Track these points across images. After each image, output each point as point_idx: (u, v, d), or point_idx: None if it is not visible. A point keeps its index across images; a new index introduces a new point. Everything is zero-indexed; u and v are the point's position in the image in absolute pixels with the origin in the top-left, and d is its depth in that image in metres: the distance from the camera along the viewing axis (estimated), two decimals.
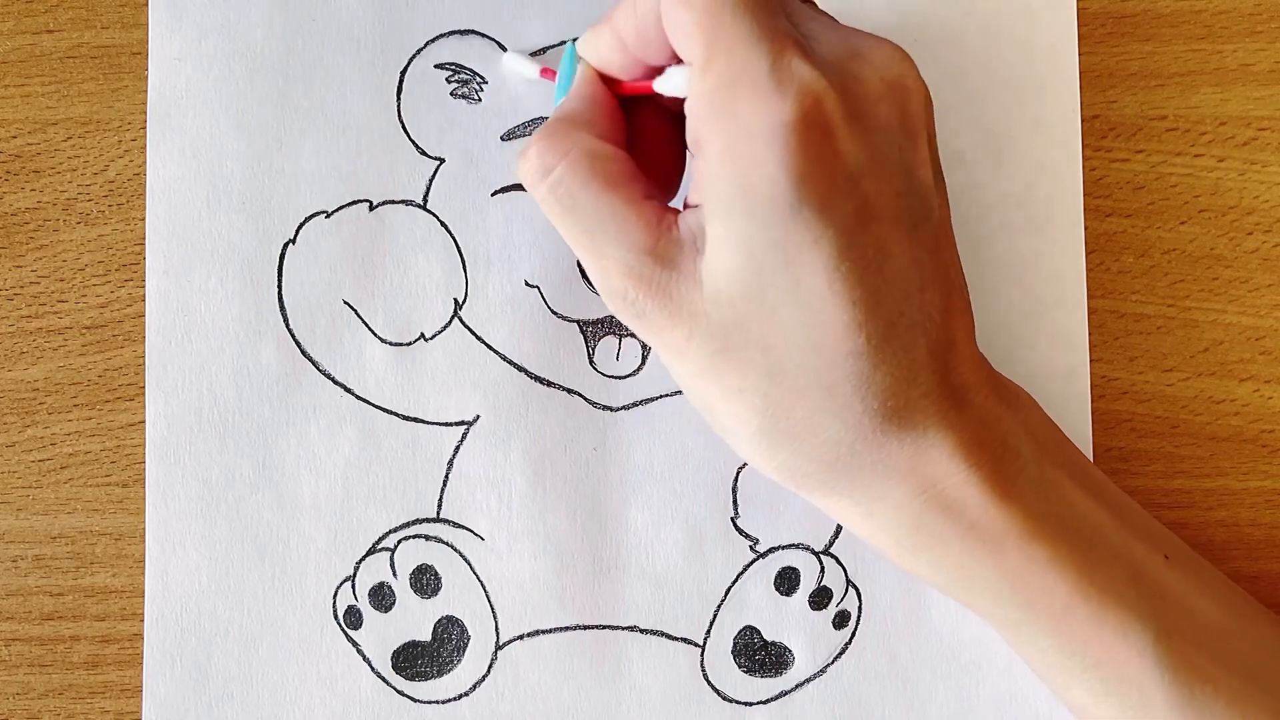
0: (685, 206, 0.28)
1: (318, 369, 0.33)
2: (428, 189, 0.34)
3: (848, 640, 0.33)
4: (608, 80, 0.30)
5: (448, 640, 0.33)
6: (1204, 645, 0.28)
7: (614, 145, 0.29)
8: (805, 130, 0.25)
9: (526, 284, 0.34)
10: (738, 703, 0.33)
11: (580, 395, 0.34)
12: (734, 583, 0.33)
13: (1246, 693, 0.28)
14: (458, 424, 0.34)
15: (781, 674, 0.33)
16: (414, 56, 0.34)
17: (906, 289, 0.27)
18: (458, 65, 0.34)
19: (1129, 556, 0.29)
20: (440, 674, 0.33)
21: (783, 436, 0.28)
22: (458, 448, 0.33)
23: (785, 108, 0.25)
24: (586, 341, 0.34)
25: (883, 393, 0.27)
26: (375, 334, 0.34)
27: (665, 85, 0.28)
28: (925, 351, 0.27)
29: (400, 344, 0.34)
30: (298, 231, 0.34)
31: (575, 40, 0.31)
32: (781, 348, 0.27)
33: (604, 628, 0.33)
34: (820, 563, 0.33)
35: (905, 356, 0.27)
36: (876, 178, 0.26)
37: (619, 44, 0.29)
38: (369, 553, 0.33)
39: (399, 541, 0.33)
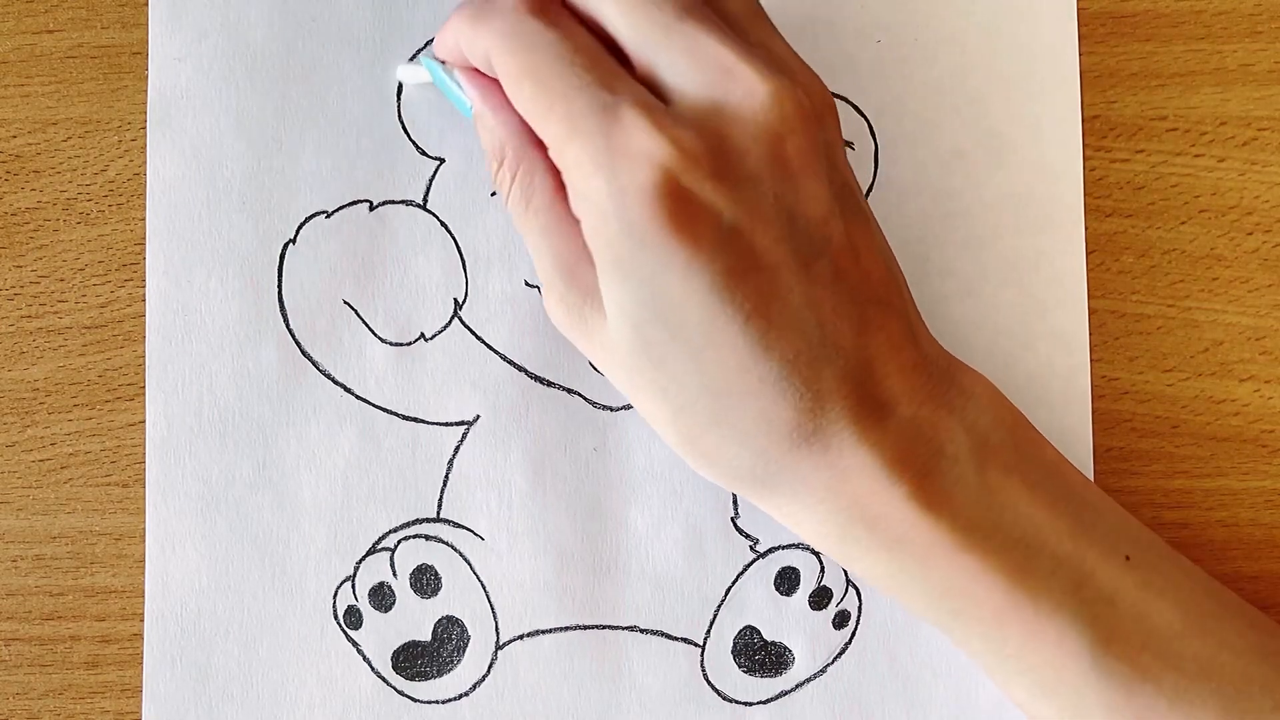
0: None
1: (318, 369, 0.33)
2: (428, 189, 0.34)
3: (848, 640, 0.33)
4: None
5: (448, 640, 0.33)
6: (1150, 646, 0.28)
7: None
8: (653, 200, 0.25)
9: (526, 284, 0.34)
10: (738, 703, 0.33)
11: (580, 395, 0.34)
12: (734, 583, 0.33)
13: (1194, 693, 0.28)
14: (458, 424, 0.34)
15: (781, 674, 0.33)
16: (414, 56, 0.34)
17: (803, 328, 0.27)
18: None
19: (1075, 561, 0.28)
20: (440, 674, 0.33)
21: (700, 458, 0.29)
22: (458, 448, 0.33)
23: (626, 181, 0.26)
24: None
25: (787, 424, 0.27)
26: (375, 334, 0.34)
27: None
28: (834, 379, 0.27)
29: (400, 344, 0.34)
30: (298, 231, 0.34)
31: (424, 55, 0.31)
32: (677, 391, 0.28)
33: (604, 628, 0.33)
34: (820, 563, 0.33)
35: (809, 389, 0.27)
36: (753, 228, 0.26)
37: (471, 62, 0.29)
38: (369, 553, 0.33)
39: (399, 541, 0.33)
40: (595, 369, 0.34)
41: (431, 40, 0.34)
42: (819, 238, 0.27)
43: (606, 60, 0.27)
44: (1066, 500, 0.29)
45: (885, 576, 0.29)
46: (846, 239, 0.28)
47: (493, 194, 0.34)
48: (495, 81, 0.30)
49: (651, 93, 0.27)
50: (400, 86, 0.34)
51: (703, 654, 0.33)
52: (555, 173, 0.29)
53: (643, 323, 0.27)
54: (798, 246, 0.27)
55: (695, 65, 0.27)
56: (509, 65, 0.27)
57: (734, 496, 0.34)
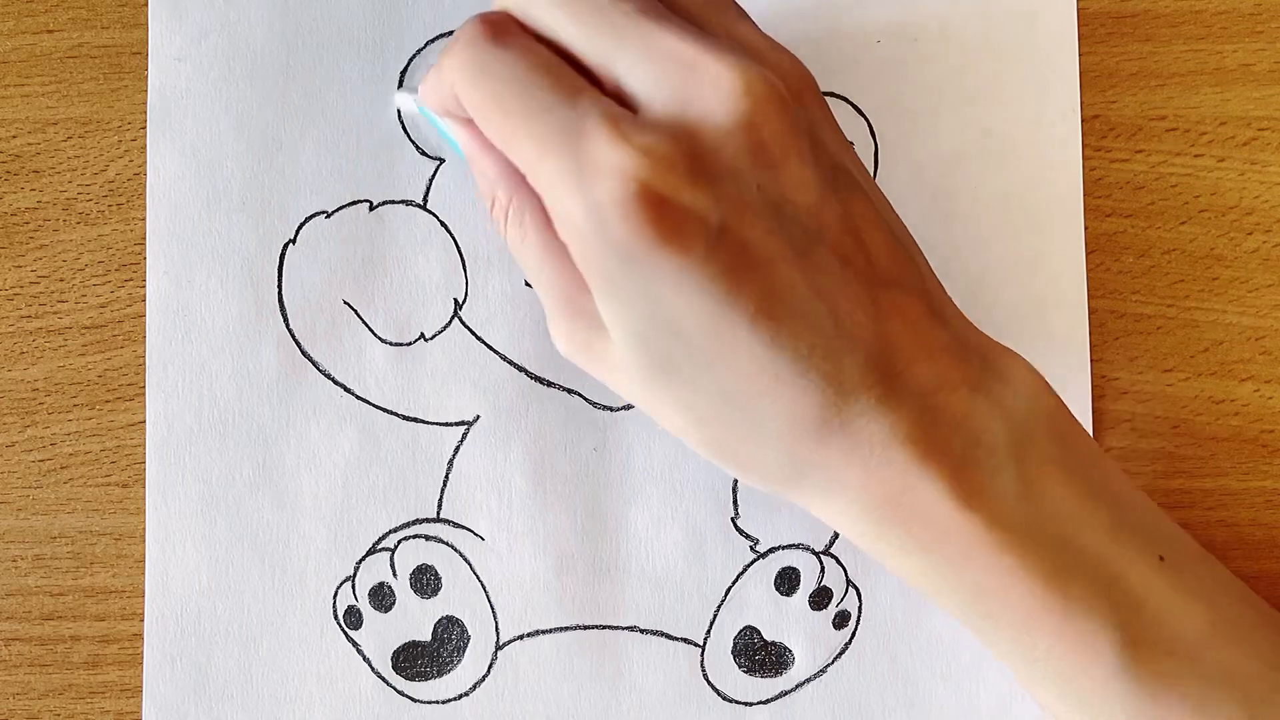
0: None
1: (318, 369, 0.33)
2: (428, 189, 0.34)
3: (848, 640, 0.33)
4: None
5: (448, 640, 0.33)
6: (1176, 652, 0.28)
7: None
8: (631, 213, 0.24)
9: (526, 284, 0.34)
10: (738, 703, 0.33)
11: (580, 395, 0.34)
12: (734, 583, 0.33)
13: (1217, 700, 0.27)
14: (458, 424, 0.34)
15: (781, 674, 0.33)
16: (414, 56, 0.34)
17: (813, 319, 0.26)
18: None
19: (1110, 561, 0.28)
20: (440, 674, 0.33)
21: (732, 464, 0.28)
22: (458, 448, 0.33)
23: (602, 198, 0.25)
24: None
25: (812, 421, 0.26)
26: (375, 334, 0.34)
27: None
28: (856, 370, 0.26)
29: (400, 344, 0.34)
30: (298, 231, 0.34)
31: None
32: (695, 400, 0.27)
33: (604, 628, 0.33)
34: (820, 563, 0.33)
35: (831, 381, 0.26)
36: (742, 225, 0.25)
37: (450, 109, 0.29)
38: (369, 553, 0.33)
39: (399, 541, 0.33)
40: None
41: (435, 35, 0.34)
42: (813, 225, 0.26)
43: (568, 76, 0.26)
44: (1103, 494, 0.28)
45: (919, 575, 0.28)
46: (844, 221, 0.27)
47: None
48: None
49: (619, 101, 0.26)
50: (401, 86, 0.34)
51: (703, 654, 0.33)
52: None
53: (648, 339, 0.26)
54: (792, 237, 0.26)
55: (655, 66, 0.26)
56: (472, 98, 0.26)
57: (734, 496, 0.34)
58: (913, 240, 0.29)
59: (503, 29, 0.27)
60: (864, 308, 0.27)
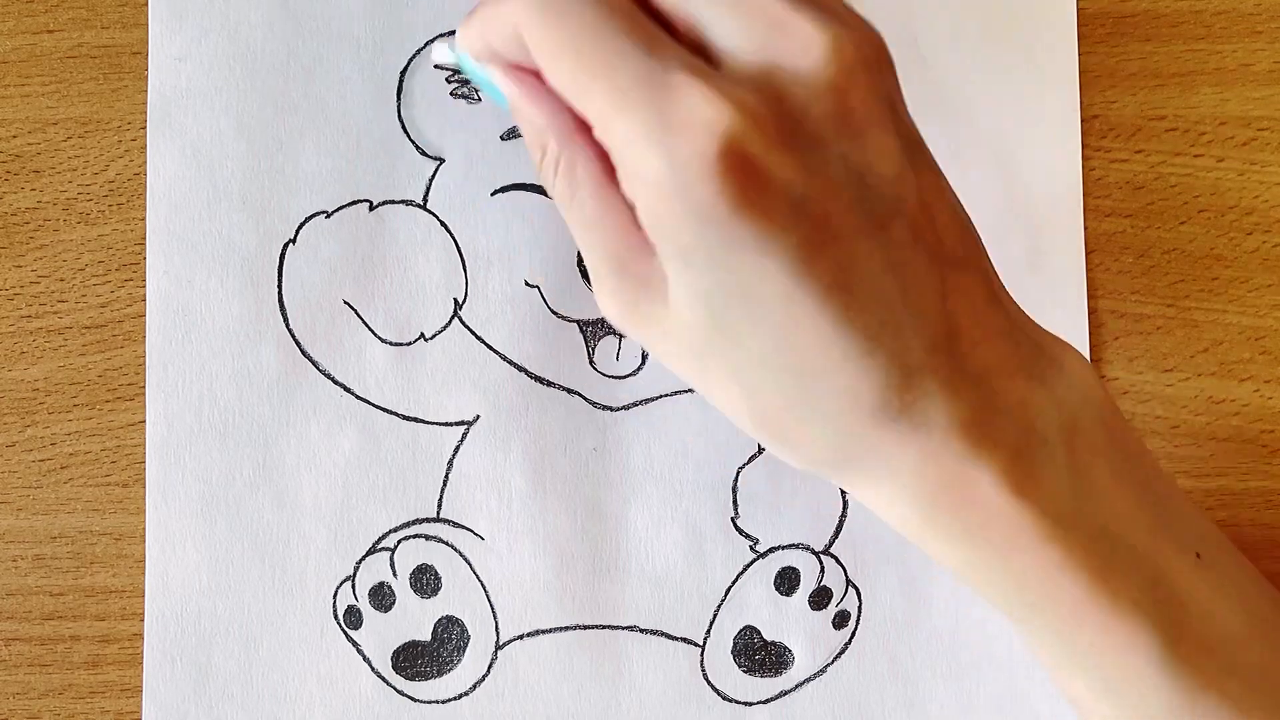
0: None
1: (318, 369, 0.33)
2: (428, 189, 0.34)
3: (848, 640, 0.33)
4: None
5: (448, 640, 0.33)
6: (1217, 652, 0.27)
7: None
8: (719, 174, 0.23)
9: (526, 284, 0.34)
10: (738, 703, 0.33)
11: (580, 395, 0.34)
12: (734, 583, 0.33)
13: (1256, 701, 0.27)
14: (458, 424, 0.34)
15: (781, 674, 0.33)
16: (414, 56, 0.34)
17: (885, 296, 0.25)
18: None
19: (1153, 556, 0.27)
20: (440, 674, 0.33)
21: (777, 439, 0.27)
22: (458, 448, 0.33)
23: (687, 155, 0.23)
24: (586, 341, 0.34)
25: (873, 402, 0.26)
26: (375, 334, 0.34)
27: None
28: (922, 350, 0.26)
29: (400, 344, 0.34)
30: (298, 231, 0.34)
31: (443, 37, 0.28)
32: (755, 371, 0.26)
33: (604, 628, 0.33)
34: (820, 563, 0.33)
35: (896, 361, 0.25)
36: (824, 195, 0.24)
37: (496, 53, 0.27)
38: (369, 553, 0.33)
39: (399, 541, 0.33)
40: (596, 372, 0.34)
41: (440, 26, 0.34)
42: (892, 196, 0.25)
43: (648, 25, 0.24)
44: (1146, 489, 0.28)
45: (964, 565, 0.27)
46: (920, 196, 0.26)
47: (494, 193, 0.34)
48: (528, 70, 0.27)
49: (699, 56, 0.25)
50: (401, 86, 0.34)
51: (703, 654, 0.33)
52: (600, 159, 0.26)
53: (714, 304, 0.25)
54: (872, 209, 0.25)
55: (743, 21, 0.24)
56: (542, 39, 0.25)
57: (734, 496, 0.34)
58: (972, 222, 0.28)
59: None
60: (933, 286, 0.26)
